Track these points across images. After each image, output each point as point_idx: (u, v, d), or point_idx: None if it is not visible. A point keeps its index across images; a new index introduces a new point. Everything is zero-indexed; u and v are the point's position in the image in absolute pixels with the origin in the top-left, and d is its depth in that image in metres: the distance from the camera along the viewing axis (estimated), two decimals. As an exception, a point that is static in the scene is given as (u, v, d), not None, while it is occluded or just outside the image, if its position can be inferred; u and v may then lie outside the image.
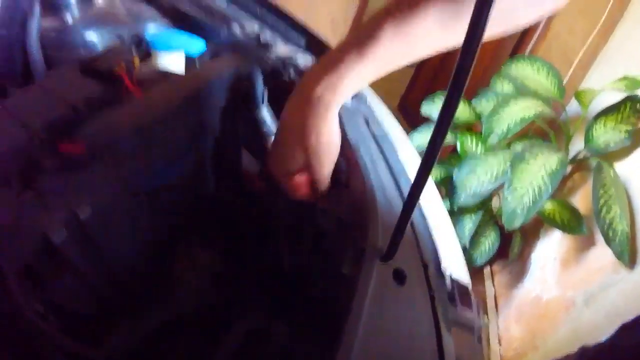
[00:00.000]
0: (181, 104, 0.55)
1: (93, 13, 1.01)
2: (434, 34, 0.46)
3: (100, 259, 0.58)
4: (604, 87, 1.78)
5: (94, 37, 0.98)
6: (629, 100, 1.64)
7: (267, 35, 0.91)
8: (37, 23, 0.89)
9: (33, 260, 0.49)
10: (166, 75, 0.67)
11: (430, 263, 0.54)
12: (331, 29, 2.58)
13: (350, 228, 0.55)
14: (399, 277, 0.46)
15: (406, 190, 0.58)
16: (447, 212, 0.73)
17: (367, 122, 0.71)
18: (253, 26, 0.92)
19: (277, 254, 0.74)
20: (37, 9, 0.88)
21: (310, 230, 0.66)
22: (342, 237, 0.57)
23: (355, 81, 0.46)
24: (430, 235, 0.61)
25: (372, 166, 0.57)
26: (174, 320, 0.69)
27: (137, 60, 0.70)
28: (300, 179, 0.52)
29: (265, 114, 0.68)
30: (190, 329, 0.71)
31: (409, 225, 0.55)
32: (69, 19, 0.97)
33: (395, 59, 0.47)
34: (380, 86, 0.77)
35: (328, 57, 0.47)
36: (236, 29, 0.91)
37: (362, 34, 0.45)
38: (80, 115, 0.56)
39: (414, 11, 0.44)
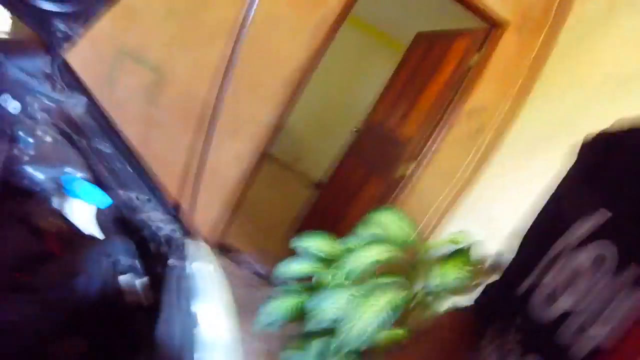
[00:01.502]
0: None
1: (39, 151, 1.30)
2: None
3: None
4: (443, 239, 2.37)
5: (35, 174, 1.28)
6: (459, 252, 2.21)
7: (138, 202, 1.31)
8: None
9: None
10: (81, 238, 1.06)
11: None
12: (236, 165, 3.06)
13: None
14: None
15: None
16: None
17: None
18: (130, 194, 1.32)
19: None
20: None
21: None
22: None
23: None
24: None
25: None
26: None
27: (59, 222, 1.08)
28: None
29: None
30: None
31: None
32: (19, 153, 1.27)
33: None
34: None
35: None
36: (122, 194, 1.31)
37: None
38: (23, 266, 0.92)
39: None
